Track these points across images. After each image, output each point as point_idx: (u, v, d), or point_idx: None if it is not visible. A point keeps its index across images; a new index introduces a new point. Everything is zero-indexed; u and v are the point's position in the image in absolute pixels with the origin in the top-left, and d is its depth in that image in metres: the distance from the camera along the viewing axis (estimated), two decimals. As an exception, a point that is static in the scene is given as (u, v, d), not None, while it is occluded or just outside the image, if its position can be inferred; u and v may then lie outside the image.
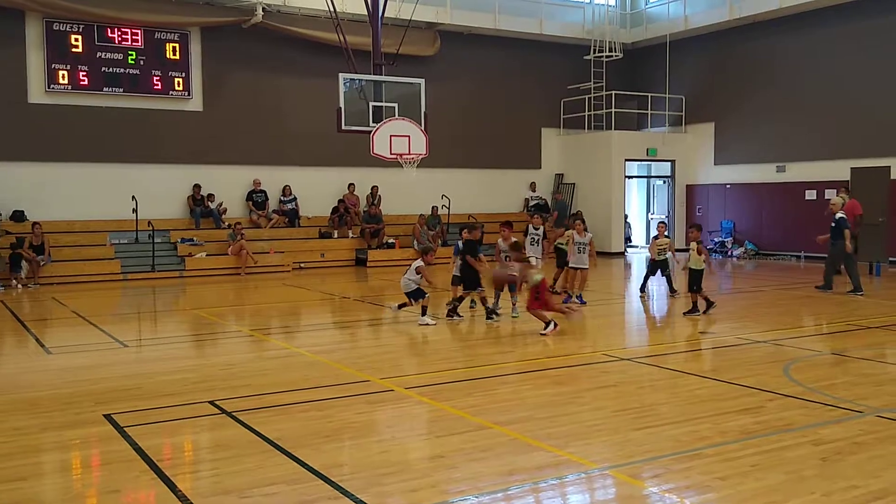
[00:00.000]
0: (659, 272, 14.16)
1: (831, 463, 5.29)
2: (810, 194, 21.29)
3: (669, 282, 14.13)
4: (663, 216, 24.57)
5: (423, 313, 11.34)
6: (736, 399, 6.98)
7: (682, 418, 6.39)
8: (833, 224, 14.48)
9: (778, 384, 7.50)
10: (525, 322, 11.39)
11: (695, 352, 9.74)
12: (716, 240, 23.28)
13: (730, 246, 23.00)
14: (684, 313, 12.03)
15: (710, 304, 12.01)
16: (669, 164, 24.88)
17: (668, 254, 14.02)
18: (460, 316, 11.71)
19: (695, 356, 9.46)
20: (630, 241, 25.21)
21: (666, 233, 14.47)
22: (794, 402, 6.84)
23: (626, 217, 23.90)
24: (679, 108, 24.67)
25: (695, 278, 11.87)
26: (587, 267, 13.24)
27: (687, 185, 24.76)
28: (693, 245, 12.06)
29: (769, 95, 22.28)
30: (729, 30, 22.93)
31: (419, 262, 11.47)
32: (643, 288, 14.32)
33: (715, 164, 23.97)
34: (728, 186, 23.59)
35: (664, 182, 25.42)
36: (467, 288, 11.86)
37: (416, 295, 11.45)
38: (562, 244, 13.97)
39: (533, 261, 12.50)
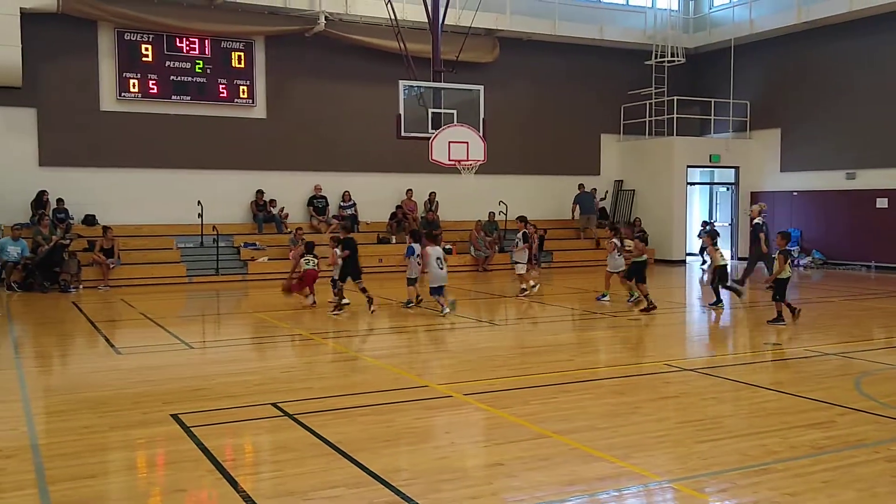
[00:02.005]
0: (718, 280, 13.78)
1: (907, 481, 5.09)
2: (881, 202, 20.59)
3: (717, 291, 13.76)
4: (726, 223, 24.05)
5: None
6: (805, 413, 6.78)
7: (749, 431, 6.23)
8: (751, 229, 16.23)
9: (849, 398, 7.26)
10: (585, 328, 11.28)
11: (760, 363, 9.49)
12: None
13: (796, 255, 22.37)
14: (768, 322, 11.72)
15: (794, 311, 11.73)
16: (733, 170, 24.35)
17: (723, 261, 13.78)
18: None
19: (760, 368, 9.22)
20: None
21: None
22: (866, 417, 6.61)
23: (706, 224, 22.35)
24: (743, 114, 24.16)
25: (779, 287, 11.64)
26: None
27: (751, 192, 24.19)
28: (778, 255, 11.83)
29: (838, 101, 21.64)
30: (796, 34, 22.35)
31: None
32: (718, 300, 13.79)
33: (781, 171, 23.38)
34: (795, 194, 22.97)
35: (727, 189, 24.90)
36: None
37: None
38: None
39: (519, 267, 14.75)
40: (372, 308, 12.86)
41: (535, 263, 16.41)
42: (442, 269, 12.97)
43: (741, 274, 16.82)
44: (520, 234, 15.23)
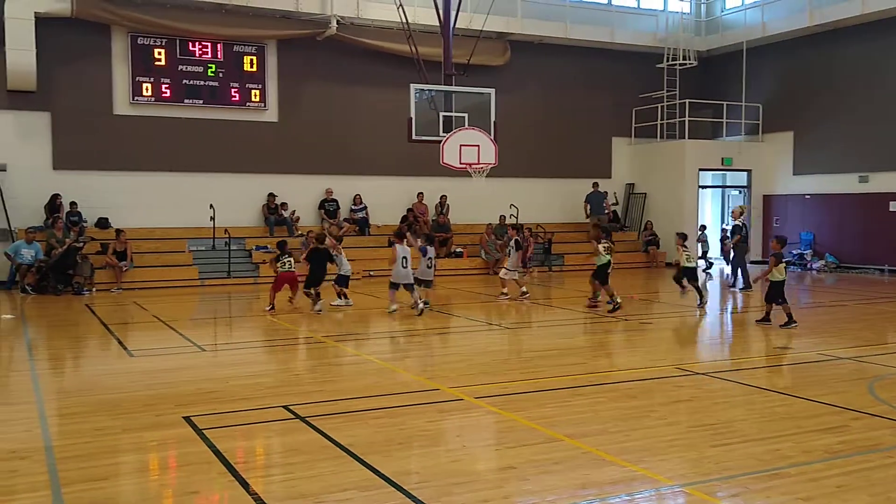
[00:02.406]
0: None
1: (922, 487, 5.05)
2: (895, 206, 20.45)
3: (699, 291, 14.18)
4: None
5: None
6: (818, 417, 6.74)
7: (762, 436, 6.20)
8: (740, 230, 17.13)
9: (863, 402, 7.21)
10: (594, 332, 11.25)
11: (773, 367, 9.45)
12: (794, 252, 22.57)
13: (809, 258, 22.27)
14: (756, 321, 11.95)
15: (790, 320, 11.66)
16: (745, 173, 24.25)
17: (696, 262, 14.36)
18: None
19: (773, 372, 9.17)
20: (706, 256, 22.21)
21: (685, 243, 14.50)
22: (880, 422, 6.57)
23: (702, 229, 22.61)
24: (756, 117, 24.05)
25: (774, 290, 11.70)
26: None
27: (764, 196, 24.09)
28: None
29: (851, 103, 21.52)
30: (809, 36, 22.25)
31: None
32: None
33: (793, 174, 23.26)
34: (807, 197, 22.85)
35: (740, 192, 24.79)
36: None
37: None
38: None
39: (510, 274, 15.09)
40: (317, 308, 13.40)
41: (527, 268, 16.68)
42: (406, 268, 13.30)
43: (742, 278, 17.02)
44: (512, 242, 15.32)
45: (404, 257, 13.33)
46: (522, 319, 13.45)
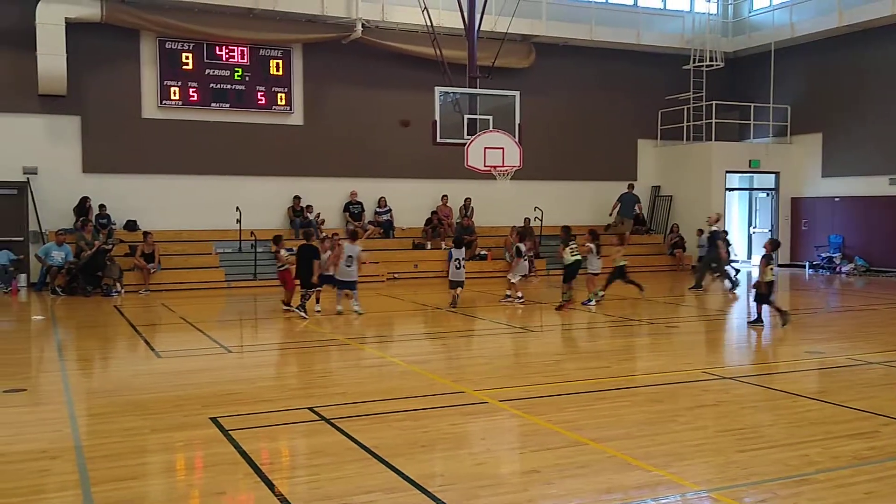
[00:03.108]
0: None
1: (954, 495, 4.97)
2: (927, 208, 20.16)
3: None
4: (766, 229, 23.66)
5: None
6: (847, 423, 6.65)
7: (790, 441, 6.13)
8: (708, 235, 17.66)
9: (893, 408, 7.10)
10: (619, 335, 11.18)
11: (801, 372, 9.33)
12: (823, 255, 22.29)
13: (838, 262, 21.97)
14: (748, 322, 12.23)
15: (783, 316, 11.92)
16: (773, 176, 23.99)
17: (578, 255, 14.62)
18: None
19: (801, 376, 9.06)
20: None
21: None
22: (911, 429, 6.47)
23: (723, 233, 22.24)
24: (784, 119, 23.79)
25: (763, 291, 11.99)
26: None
27: (792, 198, 23.82)
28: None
29: (881, 105, 21.21)
30: (838, 37, 21.97)
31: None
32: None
33: (822, 177, 22.97)
34: (837, 200, 22.56)
35: (767, 195, 24.52)
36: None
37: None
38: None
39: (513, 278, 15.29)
40: (301, 313, 13.19)
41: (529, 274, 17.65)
42: (350, 266, 13.45)
43: (696, 277, 17.64)
44: (514, 248, 15.52)
45: (350, 256, 13.45)
46: (547, 322, 13.41)
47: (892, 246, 21.09)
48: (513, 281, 15.27)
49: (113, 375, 9.43)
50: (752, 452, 5.83)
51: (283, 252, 14.17)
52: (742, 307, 15.35)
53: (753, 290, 12.29)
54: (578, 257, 14.50)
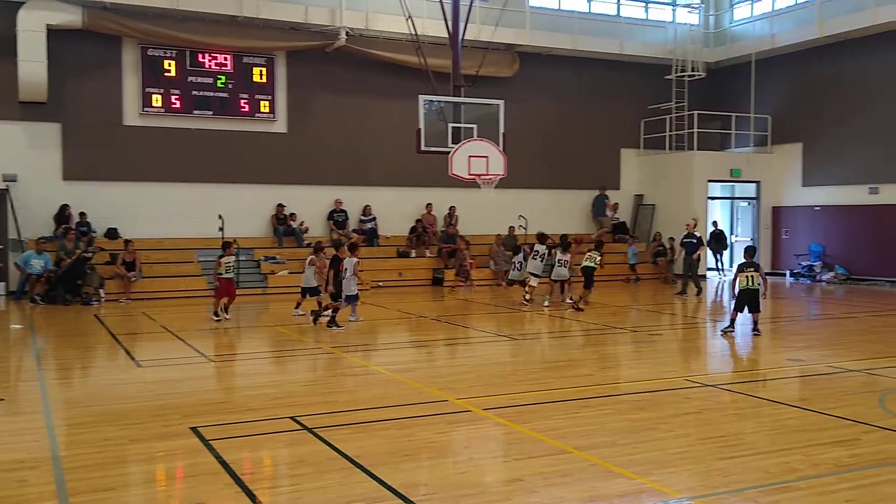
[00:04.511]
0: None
1: (934, 501, 5.00)
2: (906, 217, 20.38)
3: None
4: (748, 238, 23.81)
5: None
6: (828, 430, 6.69)
7: (771, 449, 6.15)
8: (694, 241, 18.19)
9: (873, 416, 7.15)
10: (603, 344, 11.20)
11: (782, 379, 9.38)
12: (803, 263, 22.46)
13: (819, 270, 22.15)
14: (722, 330, 12.32)
15: (754, 329, 12.03)
16: (754, 185, 24.18)
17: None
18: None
19: (783, 384, 9.11)
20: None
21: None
22: (891, 435, 6.51)
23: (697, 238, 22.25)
24: (764, 128, 24.00)
25: (739, 298, 12.08)
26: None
27: (773, 207, 24.01)
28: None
29: (861, 115, 21.46)
30: (818, 48, 22.21)
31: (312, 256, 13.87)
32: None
33: (803, 186, 23.18)
34: (817, 209, 22.76)
35: (749, 204, 24.71)
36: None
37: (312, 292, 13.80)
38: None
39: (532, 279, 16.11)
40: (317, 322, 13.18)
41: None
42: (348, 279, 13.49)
43: (682, 284, 18.51)
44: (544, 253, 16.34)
45: (349, 269, 13.23)
46: (531, 330, 13.42)
47: (872, 254, 21.31)
48: (532, 284, 15.98)
49: (92, 385, 9.33)
50: (733, 460, 5.85)
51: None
52: (725, 315, 15.42)
53: (734, 300, 12.28)
54: (591, 263, 15.62)
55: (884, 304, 16.79)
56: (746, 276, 11.87)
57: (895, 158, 20.54)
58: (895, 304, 16.76)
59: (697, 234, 18.45)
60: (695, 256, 18.02)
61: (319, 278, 13.73)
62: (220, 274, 13.98)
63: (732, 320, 12.20)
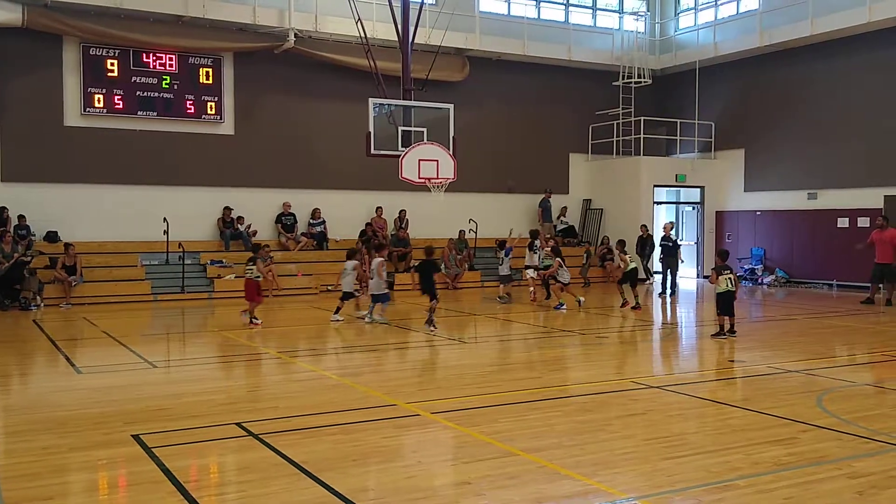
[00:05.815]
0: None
1: (867, 497, 5.16)
2: (842, 222, 20.99)
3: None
4: (692, 242, 24.31)
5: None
6: (768, 429, 6.85)
7: (713, 448, 6.28)
8: (670, 244, 19.44)
9: (811, 415, 7.35)
10: (551, 346, 11.30)
11: (725, 380, 9.59)
12: (745, 267, 23.00)
13: (760, 273, 22.72)
14: (712, 336, 12.20)
15: (730, 330, 12.09)
16: (699, 190, 24.69)
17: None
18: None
19: (725, 385, 9.31)
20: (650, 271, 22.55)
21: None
22: (828, 434, 6.70)
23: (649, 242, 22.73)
24: (708, 135, 24.55)
25: (720, 302, 12.09)
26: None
27: (716, 212, 24.55)
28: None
29: (800, 122, 22.09)
30: (759, 56, 22.82)
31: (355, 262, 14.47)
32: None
33: (745, 191, 23.76)
34: (758, 213, 23.35)
35: (693, 208, 25.23)
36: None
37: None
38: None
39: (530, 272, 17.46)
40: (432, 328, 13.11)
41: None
42: (373, 279, 14.09)
43: (670, 286, 19.41)
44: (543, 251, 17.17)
45: (372, 269, 14.08)
46: (481, 334, 13.46)
47: (811, 258, 21.93)
48: (564, 282, 16.27)
49: (30, 392, 9.07)
50: (677, 460, 5.96)
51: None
52: (677, 318, 15.70)
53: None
54: (634, 265, 16.47)
55: (822, 307, 17.29)
56: (727, 279, 11.97)
57: (833, 165, 21.20)
58: (833, 307, 17.27)
59: (674, 236, 19.65)
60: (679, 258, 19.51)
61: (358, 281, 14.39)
62: (257, 277, 13.79)
63: (721, 325, 12.13)
